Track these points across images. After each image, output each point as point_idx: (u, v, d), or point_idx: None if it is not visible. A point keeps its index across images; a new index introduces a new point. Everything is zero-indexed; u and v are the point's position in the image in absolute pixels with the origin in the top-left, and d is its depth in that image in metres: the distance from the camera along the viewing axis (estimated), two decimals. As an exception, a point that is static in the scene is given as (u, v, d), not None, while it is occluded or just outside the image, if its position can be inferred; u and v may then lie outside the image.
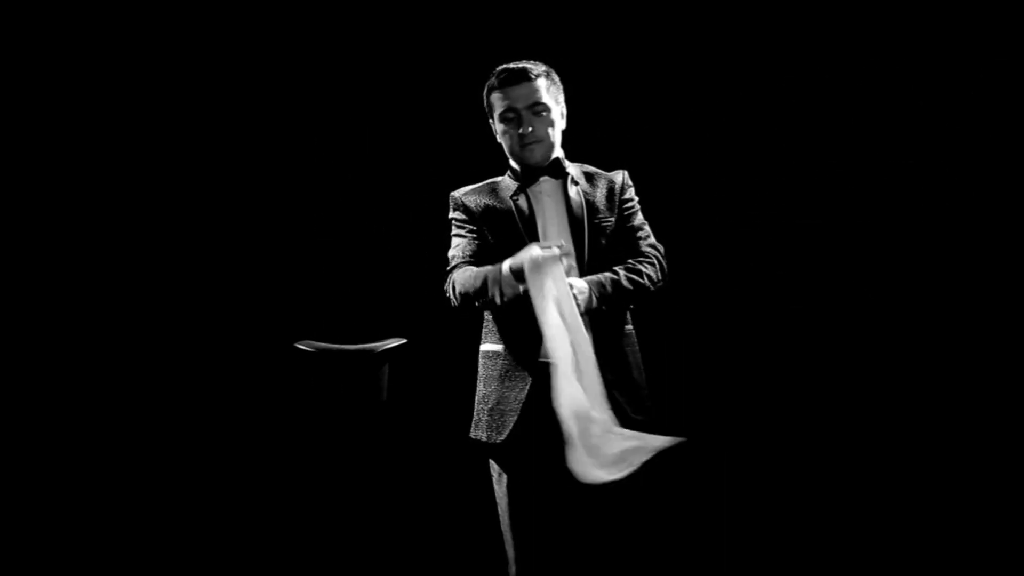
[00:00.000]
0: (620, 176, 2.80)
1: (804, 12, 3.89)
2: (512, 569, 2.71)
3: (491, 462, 2.72)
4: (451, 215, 2.82)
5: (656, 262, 2.70)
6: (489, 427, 2.68)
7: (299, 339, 3.58)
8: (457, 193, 2.83)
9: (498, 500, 2.73)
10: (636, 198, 2.79)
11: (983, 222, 3.81)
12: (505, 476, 2.69)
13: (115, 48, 3.95)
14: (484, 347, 2.77)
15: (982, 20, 3.78)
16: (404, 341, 3.57)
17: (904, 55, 3.84)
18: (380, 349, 3.54)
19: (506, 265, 2.55)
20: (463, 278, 2.67)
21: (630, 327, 2.75)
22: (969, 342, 3.81)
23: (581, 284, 2.56)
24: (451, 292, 2.72)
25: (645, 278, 2.65)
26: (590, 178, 2.77)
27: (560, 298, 2.47)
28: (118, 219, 3.97)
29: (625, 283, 2.63)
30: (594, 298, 2.57)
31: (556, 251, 2.48)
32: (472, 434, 2.74)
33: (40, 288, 3.91)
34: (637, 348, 2.75)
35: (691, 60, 3.96)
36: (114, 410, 3.91)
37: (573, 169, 2.77)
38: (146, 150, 3.99)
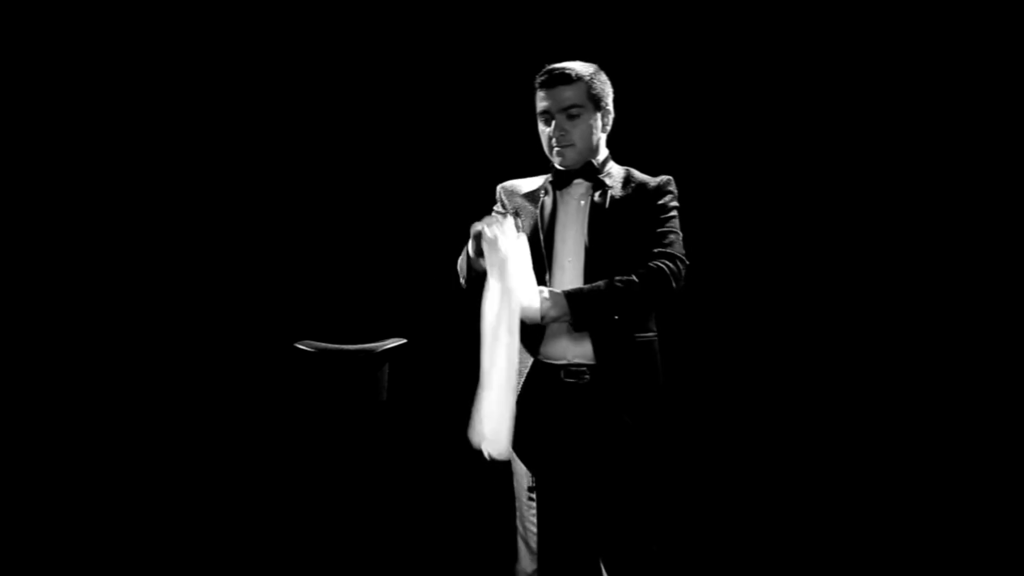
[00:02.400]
0: (660, 181, 2.71)
1: (801, 13, 3.89)
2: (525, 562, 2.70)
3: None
4: (495, 206, 2.81)
5: (661, 274, 2.59)
6: None
7: (299, 339, 3.57)
8: (501, 185, 2.84)
9: (517, 494, 2.73)
10: (674, 205, 2.70)
11: (978, 223, 3.82)
12: (522, 468, 2.69)
13: (115, 48, 3.95)
14: None
15: (982, 20, 3.78)
16: (404, 341, 3.57)
17: (903, 56, 3.85)
18: (380, 349, 3.53)
19: (469, 244, 2.55)
20: (461, 258, 2.71)
21: (649, 335, 2.68)
22: (964, 343, 3.81)
23: (543, 293, 2.53)
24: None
25: (631, 287, 2.56)
26: (628, 183, 2.71)
27: (503, 261, 2.46)
28: (119, 220, 3.97)
29: (605, 290, 2.55)
30: (555, 308, 2.52)
31: (499, 218, 2.48)
32: None
33: (41, 288, 3.91)
34: (653, 357, 2.69)
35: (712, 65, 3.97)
36: (115, 410, 3.91)
37: (615, 172, 2.74)
38: (146, 151, 3.99)
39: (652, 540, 2.60)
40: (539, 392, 2.63)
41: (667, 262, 2.61)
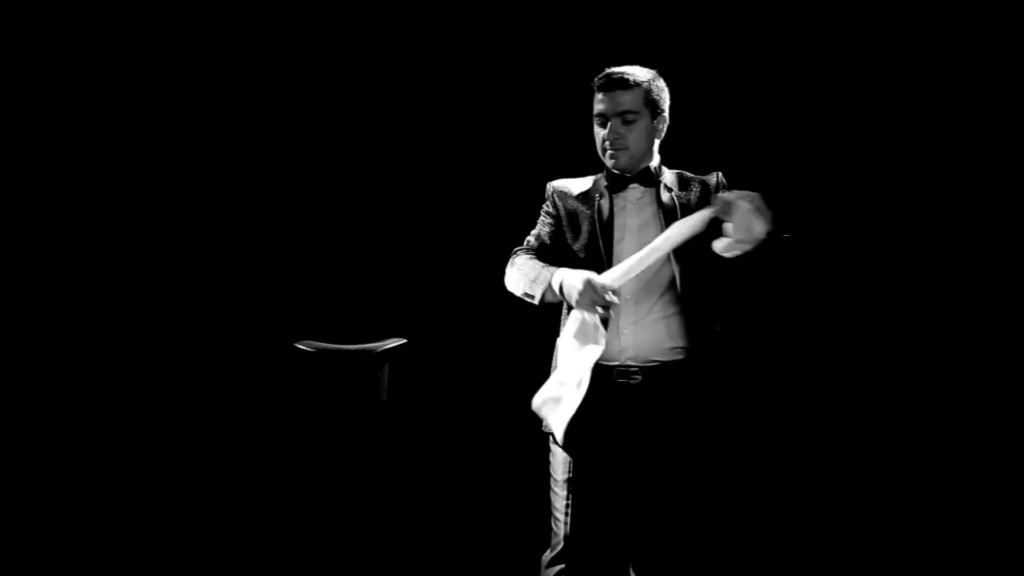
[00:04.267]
0: (715, 177, 2.78)
1: (804, 13, 3.89)
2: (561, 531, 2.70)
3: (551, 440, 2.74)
4: (544, 204, 2.85)
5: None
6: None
7: (299, 339, 3.58)
8: (552, 184, 2.86)
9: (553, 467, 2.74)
10: None
11: (976, 224, 3.82)
12: (561, 455, 2.71)
13: (115, 48, 3.95)
14: None
15: (982, 21, 3.79)
16: (404, 341, 3.57)
17: (902, 57, 3.85)
18: (380, 349, 3.53)
19: (556, 281, 2.61)
20: (520, 263, 2.74)
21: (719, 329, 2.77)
22: (961, 346, 3.81)
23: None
24: (507, 274, 2.78)
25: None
26: (684, 183, 2.77)
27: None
28: (118, 219, 3.97)
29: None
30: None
31: (600, 312, 2.55)
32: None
33: (40, 288, 3.91)
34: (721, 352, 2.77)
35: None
36: (115, 410, 3.91)
37: (668, 176, 2.78)
38: (145, 150, 3.99)
39: (683, 546, 2.63)
40: (593, 392, 2.64)
41: None
